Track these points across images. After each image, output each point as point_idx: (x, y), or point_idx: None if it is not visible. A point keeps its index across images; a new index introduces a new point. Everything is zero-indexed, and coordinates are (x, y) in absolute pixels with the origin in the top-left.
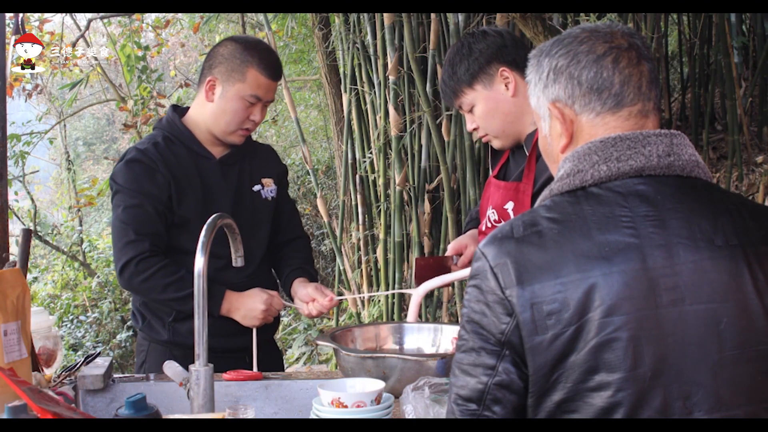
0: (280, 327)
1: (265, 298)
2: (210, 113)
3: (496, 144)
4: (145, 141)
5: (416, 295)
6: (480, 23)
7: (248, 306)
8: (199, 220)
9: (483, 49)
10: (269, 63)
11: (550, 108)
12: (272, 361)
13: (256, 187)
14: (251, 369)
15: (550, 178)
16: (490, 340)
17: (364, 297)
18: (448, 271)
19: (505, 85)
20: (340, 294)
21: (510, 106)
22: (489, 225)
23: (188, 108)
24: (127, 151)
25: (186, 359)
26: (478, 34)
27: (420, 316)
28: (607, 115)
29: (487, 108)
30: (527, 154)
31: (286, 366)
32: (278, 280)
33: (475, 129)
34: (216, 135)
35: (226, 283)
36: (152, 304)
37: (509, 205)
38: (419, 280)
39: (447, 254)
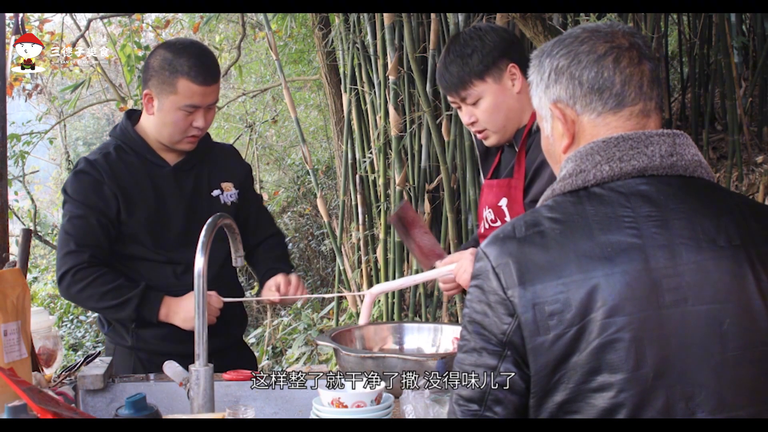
0: (280, 327)
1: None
2: (153, 125)
3: (492, 140)
4: (96, 151)
5: (369, 295)
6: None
7: (185, 308)
8: (150, 229)
9: (497, 43)
10: (200, 69)
11: (551, 108)
12: (244, 362)
13: (215, 192)
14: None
15: (538, 170)
16: (491, 341)
17: (316, 298)
18: (418, 233)
19: (512, 81)
20: (339, 291)
21: (514, 102)
22: (487, 226)
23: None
24: (78, 161)
25: (150, 363)
26: (485, 27)
27: (420, 315)
28: (609, 115)
29: (495, 102)
30: (517, 149)
31: (285, 366)
32: (256, 278)
33: (472, 123)
34: (164, 144)
35: (188, 289)
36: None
37: (503, 202)
38: (400, 220)
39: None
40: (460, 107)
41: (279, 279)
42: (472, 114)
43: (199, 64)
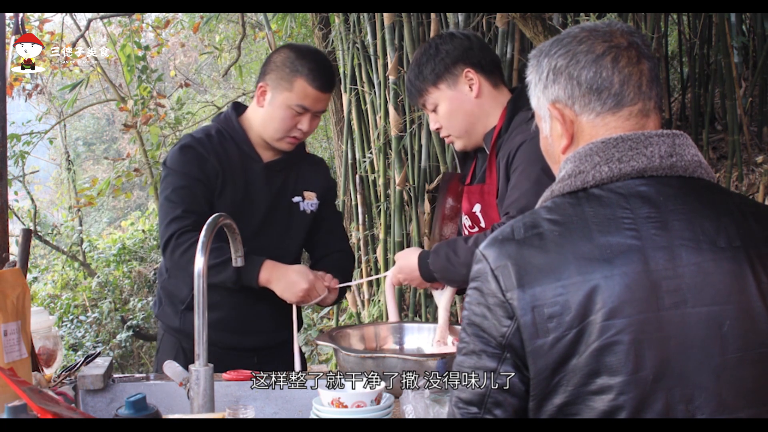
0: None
1: (311, 277)
2: (260, 118)
3: (458, 145)
4: (200, 131)
5: (389, 283)
6: (480, 23)
7: (292, 279)
8: (231, 216)
9: (450, 50)
10: (319, 74)
11: (550, 109)
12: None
13: (296, 199)
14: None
15: (506, 170)
16: (491, 343)
17: (358, 283)
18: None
19: (469, 86)
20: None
21: (473, 107)
22: (466, 233)
23: (247, 107)
24: (181, 138)
25: (193, 354)
26: (445, 35)
27: (420, 315)
28: (608, 116)
29: (451, 107)
30: (488, 153)
31: None
32: None
33: (438, 129)
34: (265, 139)
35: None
36: (171, 288)
37: (477, 208)
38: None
39: None
40: (428, 114)
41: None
42: (436, 120)
43: (320, 69)
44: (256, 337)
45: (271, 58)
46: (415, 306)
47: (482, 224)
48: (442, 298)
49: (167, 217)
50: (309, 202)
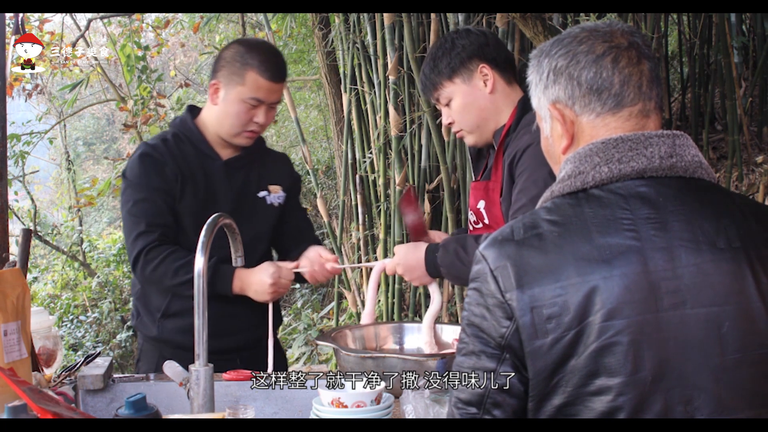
0: (280, 327)
1: (271, 271)
2: (215, 116)
3: (469, 140)
4: (155, 137)
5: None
6: (480, 23)
7: (258, 279)
8: (196, 219)
9: (466, 45)
10: (269, 65)
11: (550, 109)
12: (277, 361)
13: (262, 193)
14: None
15: (510, 168)
16: (490, 344)
17: (355, 267)
18: (419, 218)
19: (484, 82)
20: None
21: (486, 102)
22: (471, 228)
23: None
24: (137, 147)
25: (173, 358)
26: (462, 31)
27: (420, 316)
28: (608, 116)
29: (464, 102)
30: (496, 149)
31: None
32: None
33: (450, 123)
34: (222, 137)
35: None
36: (146, 299)
37: (481, 204)
38: (405, 207)
39: None
40: (441, 109)
41: (312, 252)
42: (448, 115)
43: (270, 60)
44: (236, 337)
45: (221, 54)
46: (415, 306)
47: (486, 221)
48: (429, 312)
49: (132, 232)
50: (275, 195)
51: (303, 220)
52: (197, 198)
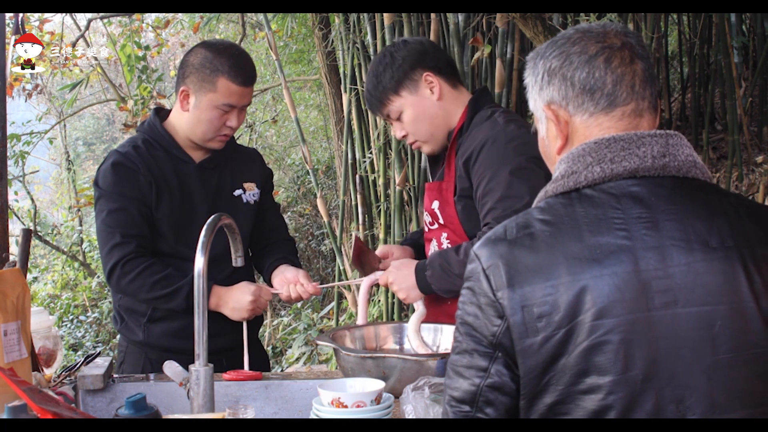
0: (280, 327)
1: (252, 289)
2: (186, 122)
3: (426, 149)
4: (125, 144)
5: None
6: (480, 23)
7: (236, 298)
8: (174, 224)
9: (405, 56)
10: (239, 70)
11: (545, 110)
12: (259, 362)
13: (237, 192)
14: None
15: (466, 165)
16: (482, 342)
17: (343, 284)
18: (374, 265)
19: (430, 90)
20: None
21: (436, 109)
22: (426, 229)
23: (170, 111)
24: (108, 155)
25: (159, 363)
26: (398, 43)
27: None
28: (601, 116)
29: (415, 113)
30: (448, 149)
31: (286, 366)
32: (261, 275)
33: (404, 136)
34: (195, 141)
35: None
36: (129, 304)
37: (435, 205)
38: (355, 259)
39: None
40: (392, 123)
41: (298, 275)
42: (401, 128)
43: (240, 64)
44: (219, 339)
45: (188, 60)
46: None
47: (441, 221)
48: (412, 319)
49: (107, 243)
50: (251, 192)
51: (277, 218)
52: (173, 203)
